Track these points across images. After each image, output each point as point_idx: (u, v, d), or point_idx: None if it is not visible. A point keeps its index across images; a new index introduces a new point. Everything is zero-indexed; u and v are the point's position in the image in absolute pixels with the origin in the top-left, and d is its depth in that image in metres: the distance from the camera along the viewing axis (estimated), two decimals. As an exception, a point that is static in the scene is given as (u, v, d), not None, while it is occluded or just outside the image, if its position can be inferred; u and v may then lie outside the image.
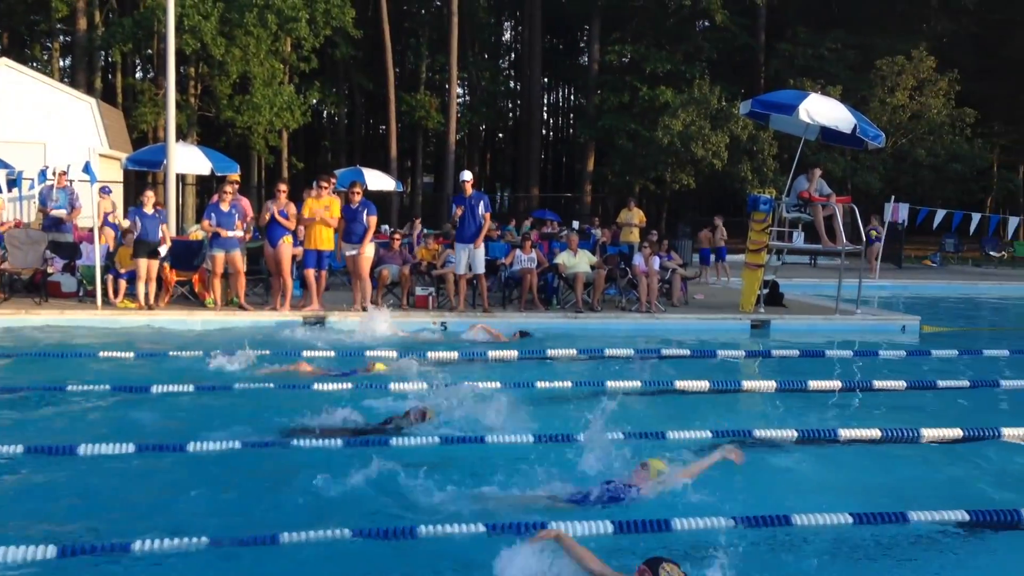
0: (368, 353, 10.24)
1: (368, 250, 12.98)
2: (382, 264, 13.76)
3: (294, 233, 12.89)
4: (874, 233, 13.60)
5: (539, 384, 8.87)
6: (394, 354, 10.02)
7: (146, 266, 12.36)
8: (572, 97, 58.37)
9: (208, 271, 12.81)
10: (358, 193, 13.11)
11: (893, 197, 26.25)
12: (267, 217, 12.69)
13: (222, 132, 34.44)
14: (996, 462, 7.02)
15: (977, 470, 6.82)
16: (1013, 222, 24.41)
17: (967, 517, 5.47)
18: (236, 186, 13.24)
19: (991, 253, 30.30)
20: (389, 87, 36.85)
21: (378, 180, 24.80)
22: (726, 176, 31.36)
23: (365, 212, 12.95)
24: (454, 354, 10.39)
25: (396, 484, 5.69)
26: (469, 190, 13.28)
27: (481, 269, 13.35)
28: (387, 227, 24.15)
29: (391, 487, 5.67)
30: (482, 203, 13.23)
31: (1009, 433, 7.57)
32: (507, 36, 55.85)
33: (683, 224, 29.47)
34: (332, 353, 10.42)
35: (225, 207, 12.60)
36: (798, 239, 21.74)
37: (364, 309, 12.73)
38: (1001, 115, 41.55)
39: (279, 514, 5.37)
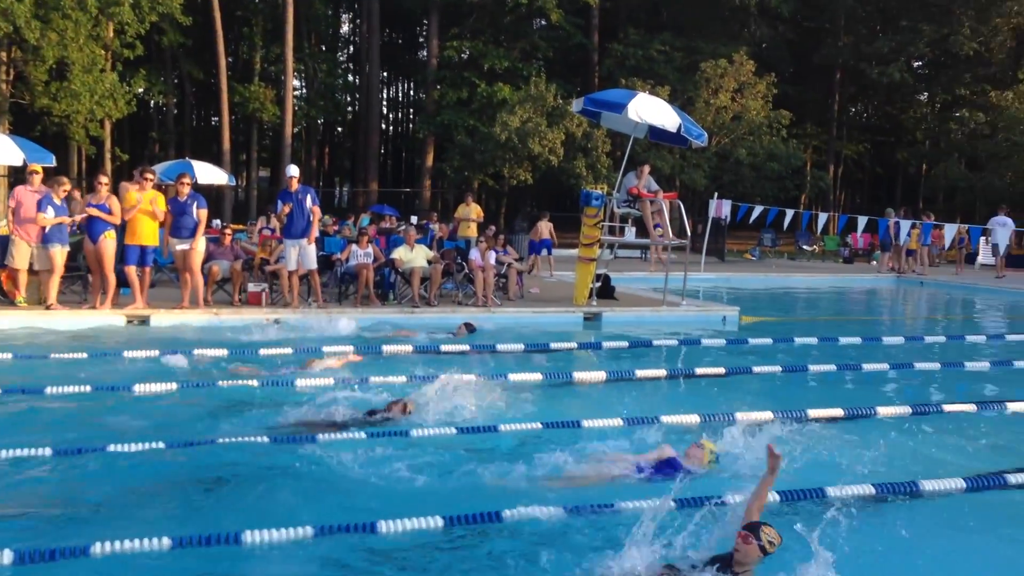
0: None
1: (199, 244, 12.54)
2: (212, 260, 13.33)
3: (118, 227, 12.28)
4: (659, 231, 14.82)
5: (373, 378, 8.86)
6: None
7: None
8: (411, 92, 58.18)
9: (14, 269, 12.00)
10: (187, 185, 12.62)
11: (716, 194, 27.61)
12: (85, 212, 12.03)
13: (37, 121, 32.31)
14: (806, 444, 7.49)
15: (791, 451, 7.26)
16: (823, 218, 26.15)
17: (777, 499, 5.83)
18: (39, 176, 12.37)
19: (804, 247, 32.39)
20: (221, 77, 35.64)
21: (210, 173, 23.94)
22: (562, 172, 32.09)
23: (195, 205, 12.50)
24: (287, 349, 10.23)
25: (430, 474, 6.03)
26: (295, 185, 13.05)
27: (312, 265, 13.15)
28: (219, 222, 23.39)
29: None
30: (309, 196, 13.04)
31: (816, 414, 8.12)
32: (345, 28, 55.09)
33: (520, 219, 29.99)
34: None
35: (58, 200, 11.90)
36: (629, 234, 22.59)
37: (196, 306, 12.33)
38: (813, 117, 44.49)
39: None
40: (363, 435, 6.83)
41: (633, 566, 4.45)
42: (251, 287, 13.39)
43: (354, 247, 14.13)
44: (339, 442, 6.68)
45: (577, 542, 5.02)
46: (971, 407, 8.60)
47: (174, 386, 8.27)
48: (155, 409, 7.59)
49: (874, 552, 5.12)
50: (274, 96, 39.00)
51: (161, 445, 6.45)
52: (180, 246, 12.45)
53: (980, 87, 41.67)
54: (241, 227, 22.50)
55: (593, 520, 5.28)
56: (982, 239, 27.21)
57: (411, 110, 58.15)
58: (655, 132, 15.53)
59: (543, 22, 39.70)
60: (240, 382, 8.58)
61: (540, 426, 7.32)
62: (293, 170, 13.43)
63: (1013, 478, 6.36)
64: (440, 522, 5.11)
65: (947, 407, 8.53)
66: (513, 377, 9.33)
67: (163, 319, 12.02)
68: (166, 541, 4.67)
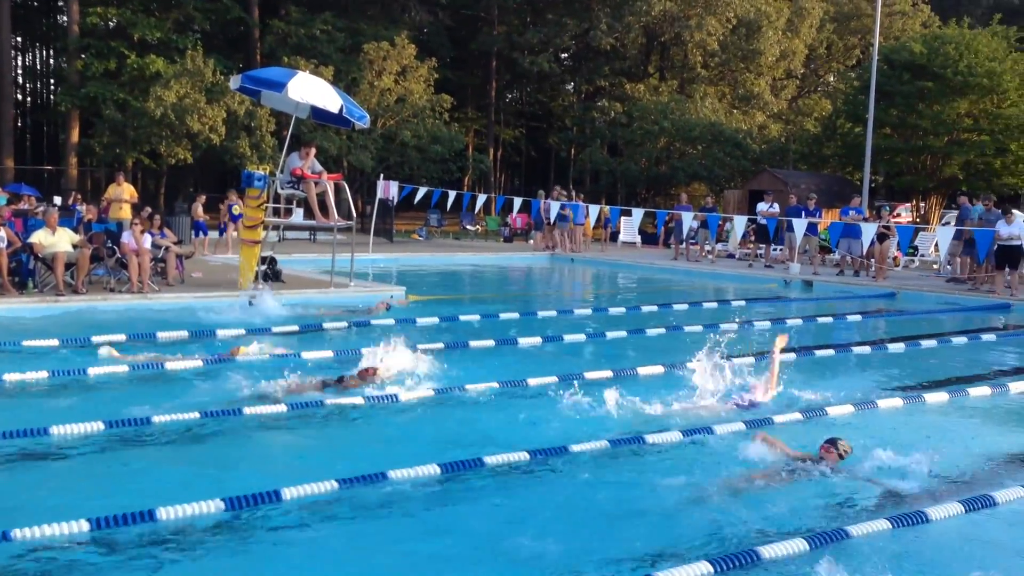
0: None
1: None
2: None
3: None
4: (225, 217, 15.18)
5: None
6: None
7: None
8: (51, 60, 52.81)
9: None
10: None
11: (383, 175, 28.05)
12: None
13: None
14: (460, 417, 7.97)
15: (447, 426, 7.70)
16: (482, 199, 27.53)
17: (438, 471, 6.20)
18: None
19: (468, 227, 33.88)
20: None
21: None
22: (225, 151, 30.89)
23: None
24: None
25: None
26: None
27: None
28: None
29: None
30: None
31: (472, 388, 8.63)
32: (-34, -14, 48.67)
33: (181, 200, 28.53)
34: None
35: None
36: (297, 215, 22.31)
37: None
38: (473, 102, 46.50)
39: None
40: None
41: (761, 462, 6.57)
42: None
43: (-17, 232, 12.73)
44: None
45: (713, 449, 7.05)
46: (608, 373, 9.56)
47: None
48: None
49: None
50: None
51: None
52: None
53: (617, 79, 45.86)
54: None
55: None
56: (621, 219, 30.03)
57: (52, 80, 52.81)
58: (317, 112, 15.45)
59: (198, -7, 37.70)
60: None
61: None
62: None
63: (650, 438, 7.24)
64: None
65: (588, 374, 9.40)
66: (170, 365, 9.03)
67: None
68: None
